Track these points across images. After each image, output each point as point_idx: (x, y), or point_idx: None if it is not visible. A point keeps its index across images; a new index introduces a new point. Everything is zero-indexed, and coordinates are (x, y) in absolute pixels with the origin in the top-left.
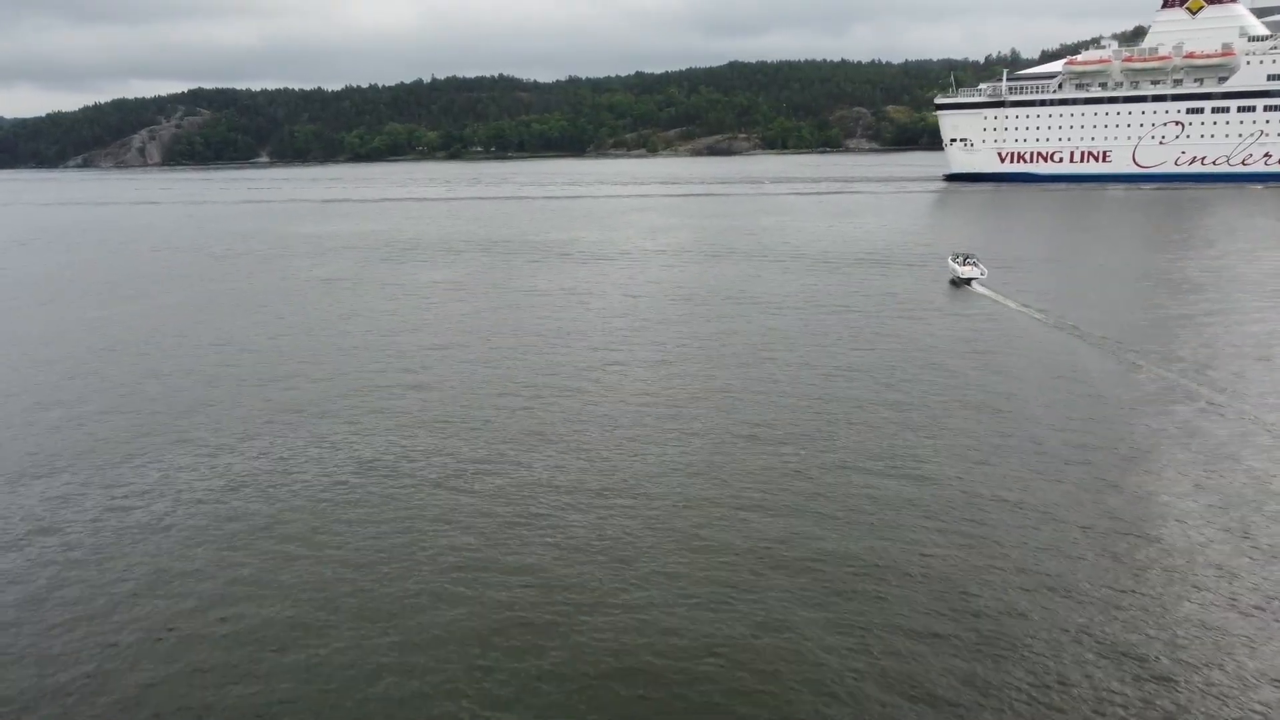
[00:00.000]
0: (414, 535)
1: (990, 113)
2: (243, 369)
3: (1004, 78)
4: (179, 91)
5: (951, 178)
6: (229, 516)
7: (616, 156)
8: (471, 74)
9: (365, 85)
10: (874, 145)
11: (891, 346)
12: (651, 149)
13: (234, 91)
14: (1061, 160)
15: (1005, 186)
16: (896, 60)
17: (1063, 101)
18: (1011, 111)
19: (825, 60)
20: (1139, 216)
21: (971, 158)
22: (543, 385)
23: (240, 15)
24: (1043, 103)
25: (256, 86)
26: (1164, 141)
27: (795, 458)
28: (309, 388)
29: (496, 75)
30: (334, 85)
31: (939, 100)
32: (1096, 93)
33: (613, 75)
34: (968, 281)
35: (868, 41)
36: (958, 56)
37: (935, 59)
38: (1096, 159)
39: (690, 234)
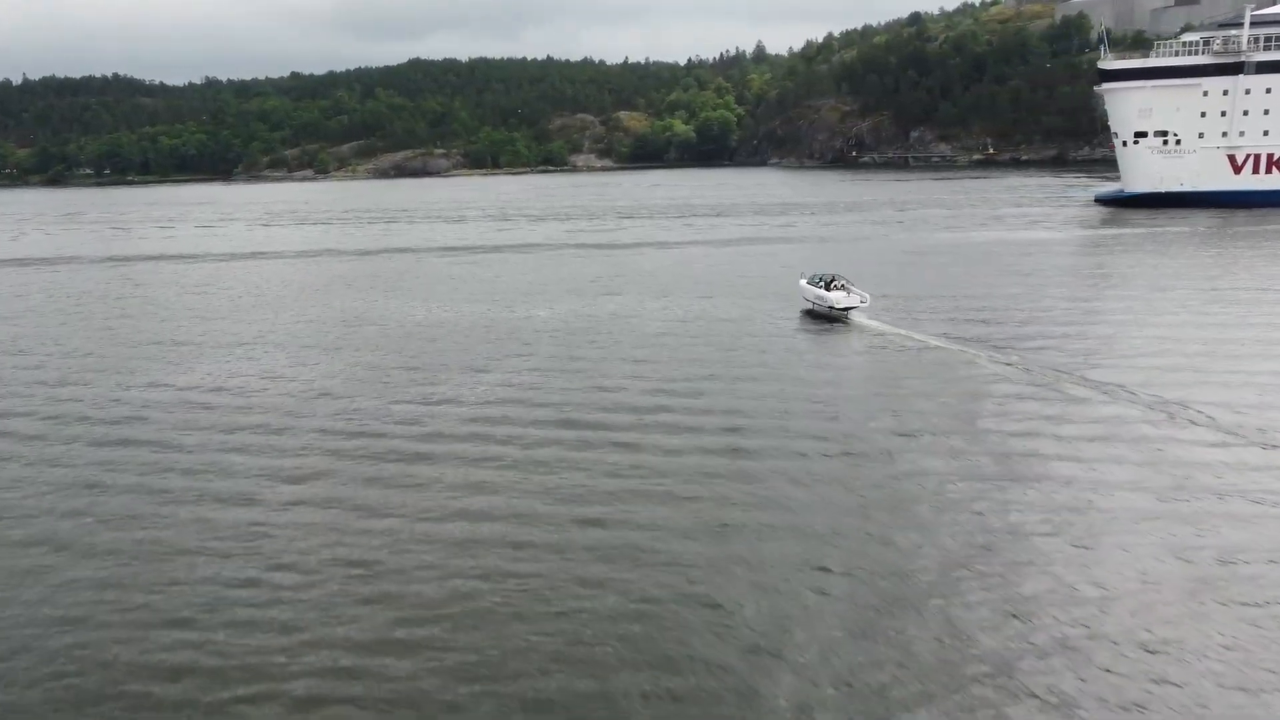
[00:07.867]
0: None
1: (1218, 84)
2: None
3: (1247, 19)
4: None
5: (1120, 202)
6: None
7: (276, 179)
8: (78, 74)
9: None
10: (606, 162)
11: None
12: (322, 168)
13: None
14: None
15: (1243, 215)
16: (611, 61)
17: None
18: (1259, 81)
19: (531, 58)
20: None
21: (1176, 165)
22: None
23: None
24: None
25: None
26: None
27: None
28: None
29: (110, 75)
30: None
31: (1105, 65)
32: None
33: (262, 78)
34: (845, 312)
35: (542, 45)
36: (664, 59)
37: (653, 60)
38: None
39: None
